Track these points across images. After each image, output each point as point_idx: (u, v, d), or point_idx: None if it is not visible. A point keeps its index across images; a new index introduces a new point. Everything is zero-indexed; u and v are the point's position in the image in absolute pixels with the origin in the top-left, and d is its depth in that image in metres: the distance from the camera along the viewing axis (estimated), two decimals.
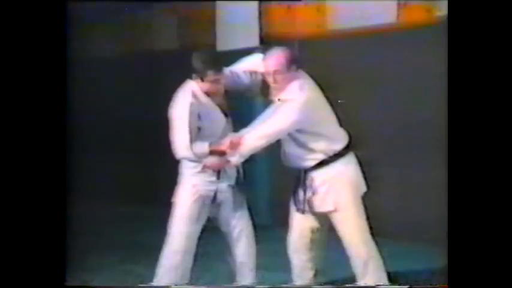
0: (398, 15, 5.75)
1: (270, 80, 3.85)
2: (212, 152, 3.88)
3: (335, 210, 3.85)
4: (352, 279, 4.08)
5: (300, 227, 4.04)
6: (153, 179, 7.79)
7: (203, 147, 3.87)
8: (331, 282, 4.26)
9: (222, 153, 3.87)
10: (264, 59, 3.88)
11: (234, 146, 3.79)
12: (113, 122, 8.71)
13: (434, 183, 4.69)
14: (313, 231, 4.00)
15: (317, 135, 3.86)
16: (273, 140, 3.84)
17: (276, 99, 3.86)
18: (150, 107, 7.48)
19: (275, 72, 3.78)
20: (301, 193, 3.93)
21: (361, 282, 3.92)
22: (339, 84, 5.41)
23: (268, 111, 3.90)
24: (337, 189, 3.87)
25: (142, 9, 8.26)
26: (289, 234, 4.10)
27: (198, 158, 3.91)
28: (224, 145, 3.82)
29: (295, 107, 3.76)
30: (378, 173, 5.28)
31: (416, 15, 5.63)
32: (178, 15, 7.88)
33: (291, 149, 3.89)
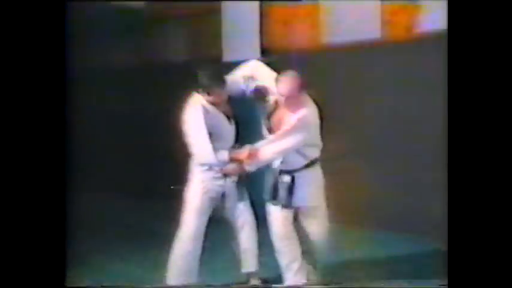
0: (382, 32, 5.92)
1: (282, 102, 3.94)
2: (231, 159, 4.04)
3: (314, 205, 4.13)
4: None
5: (281, 219, 4.17)
6: (153, 180, 7.84)
7: (224, 155, 4.03)
8: (329, 281, 4.27)
9: (239, 161, 4.02)
10: (278, 82, 3.96)
11: (252, 156, 3.95)
12: (118, 125, 8.67)
13: (435, 184, 4.71)
14: (291, 222, 4.17)
15: (311, 145, 4.06)
16: (286, 155, 4.00)
17: (284, 110, 3.98)
18: (156, 112, 7.64)
19: (289, 96, 3.89)
20: (283, 190, 4.08)
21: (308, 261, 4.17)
22: (332, 92, 5.62)
23: (284, 125, 3.98)
24: (315, 189, 4.13)
25: (153, 23, 8.24)
26: (272, 226, 4.20)
27: (219, 164, 4.08)
28: (242, 154, 3.98)
29: (306, 128, 3.94)
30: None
31: (398, 32, 5.83)
32: (188, 28, 8.02)
33: (289, 156, 4.04)
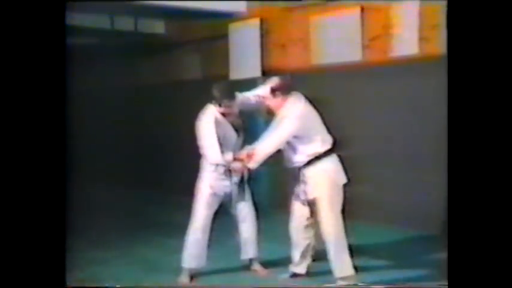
0: (363, 55, 6.42)
1: (269, 98, 4.26)
2: (234, 159, 4.34)
3: (317, 197, 4.24)
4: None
5: (298, 213, 4.40)
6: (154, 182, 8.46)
7: (229, 155, 4.34)
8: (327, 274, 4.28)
9: (241, 161, 4.30)
10: (265, 85, 4.31)
11: (249, 156, 4.21)
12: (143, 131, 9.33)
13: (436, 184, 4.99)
14: (307, 217, 4.39)
15: (308, 140, 4.20)
16: (278, 147, 4.19)
17: (276, 114, 4.23)
18: (173, 121, 8.27)
19: (271, 91, 4.22)
20: (297, 186, 4.30)
21: (328, 255, 4.24)
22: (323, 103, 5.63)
23: (272, 125, 4.24)
24: (319, 182, 4.24)
25: (172, 46, 8.78)
26: (290, 218, 4.44)
27: (225, 163, 4.37)
28: (242, 155, 4.28)
29: (291, 119, 4.14)
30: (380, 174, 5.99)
31: (376, 55, 6.32)
32: (200, 51, 8.65)
33: (289, 154, 4.27)
